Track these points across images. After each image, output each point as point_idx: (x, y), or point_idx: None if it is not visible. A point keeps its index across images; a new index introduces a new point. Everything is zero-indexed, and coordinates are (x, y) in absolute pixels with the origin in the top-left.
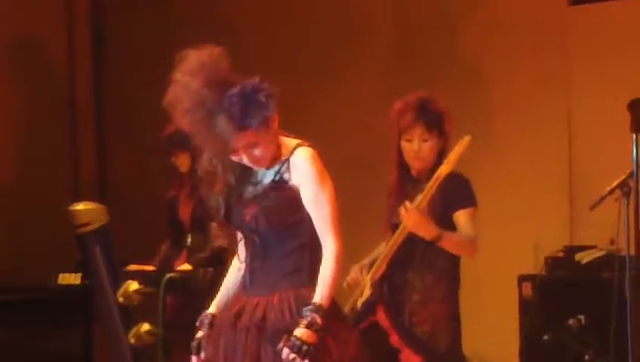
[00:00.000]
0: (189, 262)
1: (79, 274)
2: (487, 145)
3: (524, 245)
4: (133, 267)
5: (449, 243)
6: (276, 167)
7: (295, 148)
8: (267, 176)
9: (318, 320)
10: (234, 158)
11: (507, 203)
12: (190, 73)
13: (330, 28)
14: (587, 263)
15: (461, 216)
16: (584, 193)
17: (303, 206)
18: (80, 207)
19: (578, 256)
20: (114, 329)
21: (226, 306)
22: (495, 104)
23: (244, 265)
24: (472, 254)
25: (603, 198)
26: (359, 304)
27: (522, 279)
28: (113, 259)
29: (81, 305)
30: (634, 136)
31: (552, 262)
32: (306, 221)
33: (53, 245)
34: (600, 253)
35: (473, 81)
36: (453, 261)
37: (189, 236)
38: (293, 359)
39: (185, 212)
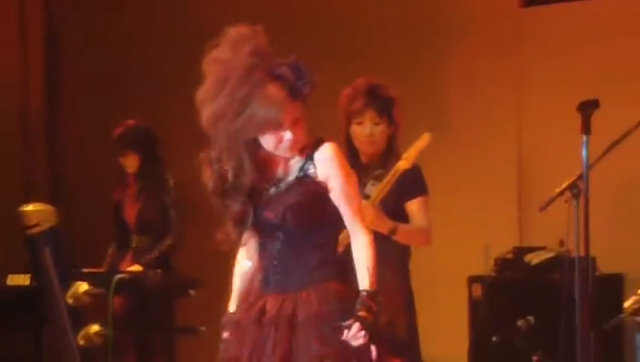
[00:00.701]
0: (136, 263)
1: (28, 276)
2: (438, 145)
3: (474, 246)
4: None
5: (404, 235)
6: (300, 163)
7: (319, 144)
8: (291, 173)
9: (374, 305)
10: (271, 141)
11: (457, 204)
12: (233, 47)
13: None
14: (536, 264)
15: (414, 205)
16: (534, 194)
17: (329, 200)
18: (30, 208)
19: (527, 258)
20: (63, 330)
21: (246, 305)
22: (449, 103)
23: (260, 263)
24: (427, 243)
25: (552, 200)
26: None
27: (472, 280)
28: (63, 261)
29: (31, 307)
30: (584, 137)
31: (502, 263)
32: (331, 216)
33: (2, 246)
34: (549, 255)
35: (430, 80)
36: (405, 252)
37: (134, 237)
38: (359, 333)
39: (130, 213)
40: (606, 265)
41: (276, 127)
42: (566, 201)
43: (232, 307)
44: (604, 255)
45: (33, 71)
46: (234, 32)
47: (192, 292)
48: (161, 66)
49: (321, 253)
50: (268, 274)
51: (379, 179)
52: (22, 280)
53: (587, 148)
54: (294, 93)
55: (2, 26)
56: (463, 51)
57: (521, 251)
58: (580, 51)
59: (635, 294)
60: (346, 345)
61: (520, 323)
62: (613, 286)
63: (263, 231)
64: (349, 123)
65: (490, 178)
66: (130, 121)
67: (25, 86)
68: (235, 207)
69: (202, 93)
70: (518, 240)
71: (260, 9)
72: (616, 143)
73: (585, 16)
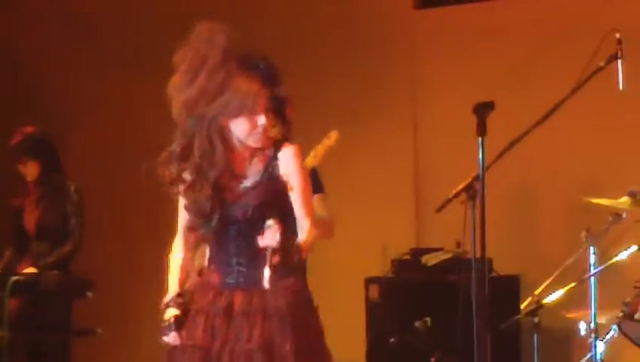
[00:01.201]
0: (34, 266)
1: None
2: (336, 146)
3: (372, 247)
4: None
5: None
6: (265, 162)
7: (281, 145)
8: (255, 172)
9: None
10: (245, 126)
11: (354, 205)
12: (205, 39)
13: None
14: (433, 265)
15: (315, 202)
16: (430, 196)
17: (288, 198)
18: None
19: (424, 259)
20: None
21: (209, 298)
22: (346, 105)
23: (217, 259)
24: (330, 235)
25: (449, 201)
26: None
27: (369, 281)
28: None
29: None
30: (479, 139)
31: (399, 265)
32: (291, 213)
33: None
34: (446, 256)
35: (326, 81)
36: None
37: (34, 244)
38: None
39: (30, 220)
40: (502, 267)
41: (251, 111)
42: (462, 203)
43: (169, 296)
44: (501, 256)
45: None
46: (204, 26)
47: (89, 294)
48: (58, 72)
49: (282, 248)
50: (230, 270)
51: None
52: None
53: (483, 150)
54: (267, 83)
55: None
56: (360, 52)
57: (418, 252)
58: (475, 53)
59: (532, 295)
60: (315, 337)
61: (417, 324)
62: (510, 287)
63: (224, 227)
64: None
65: (387, 179)
66: (28, 128)
67: None
68: (203, 202)
69: (174, 82)
70: (415, 242)
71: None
72: (511, 145)
73: (478, 17)
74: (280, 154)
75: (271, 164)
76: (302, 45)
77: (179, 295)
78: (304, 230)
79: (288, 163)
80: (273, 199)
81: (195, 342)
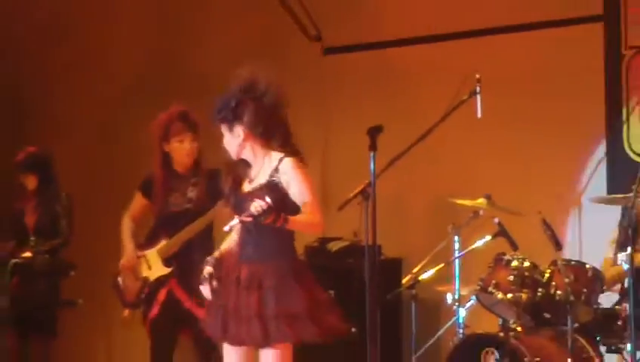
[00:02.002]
0: (30, 251)
1: None
2: None
3: None
4: None
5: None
6: (268, 170)
7: (282, 158)
8: (261, 176)
9: (266, 211)
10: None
11: None
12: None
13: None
14: (336, 251)
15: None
16: (334, 198)
17: (288, 199)
18: None
19: (329, 246)
20: None
21: (225, 270)
22: None
23: (238, 238)
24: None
25: (348, 201)
26: (152, 275)
27: None
28: None
29: None
30: (371, 154)
31: (310, 250)
32: (287, 210)
33: None
34: (346, 243)
35: None
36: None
37: (33, 238)
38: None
39: (30, 220)
40: (389, 252)
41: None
42: (359, 203)
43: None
44: (387, 244)
45: None
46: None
47: (72, 273)
48: (52, 100)
49: (279, 238)
50: (242, 246)
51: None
52: None
53: (374, 162)
54: (228, 126)
55: None
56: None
57: (324, 241)
58: (371, 89)
59: (411, 273)
60: (299, 305)
61: None
62: (394, 268)
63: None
64: (167, 140)
65: None
66: (30, 148)
67: None
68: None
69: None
70: (322, 233)
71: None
72: (396, 159)
73: (373, 63)
74: (280, 166)
75: (272, 173)
76: (221, 84)
77: (215, 258)
78: (315, 219)
79: (287, 173)
80: (273, 200)
81: (219, 302)
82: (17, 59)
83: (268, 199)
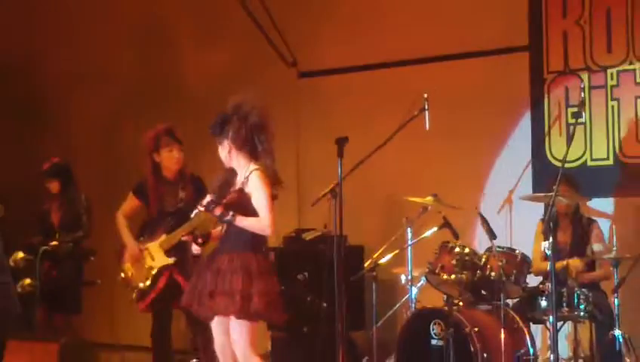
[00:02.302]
0: (57, 241)
1: None
2: None
3: None
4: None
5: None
6: (240, 180)
7: (252, 170)
8: (236, 184)
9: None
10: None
11: None
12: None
13: None
14: (310, 239)
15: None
16: (308, 196)
17: (251, 204)
18: None
19: (304, 235)
20: (7, 283)
21: (206, 261)
22: None
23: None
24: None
25: (319, 199)
26: (155, 265)
27: (269, 249)
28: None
29: None
30: (339, 160)
31: (288, 239)
32: (252, 213)
33: None
34: (318, 233)
35: None
36: None
37: (58, 233)
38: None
39: (55, 218)
40: (353, 240)
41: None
42: (328, 200)
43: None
44: (352, 234)
45: None
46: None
47: (92, 258)
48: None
49: (244, 234)
50: (221, 242)
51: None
52: None
53: (341, 167)
54: (218, 140)
55: None
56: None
57: (299, 231)
58: (338, 107)
59: (372, 258)
60: (259, 286)
61: (299, 277)
62: (358, 254)
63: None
64: (157, 151)
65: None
66: (55, 159)
67: None
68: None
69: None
70: (298, 224)
71: None
72: (358, 164)
73: (342, 84)
74: (250, 176)
75: (243, 182)
76: (209, 104)
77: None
78: (262, 222)
79: (252, 183)
80: (241, 203)
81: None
82: (40, 84)
83: (209, 197)
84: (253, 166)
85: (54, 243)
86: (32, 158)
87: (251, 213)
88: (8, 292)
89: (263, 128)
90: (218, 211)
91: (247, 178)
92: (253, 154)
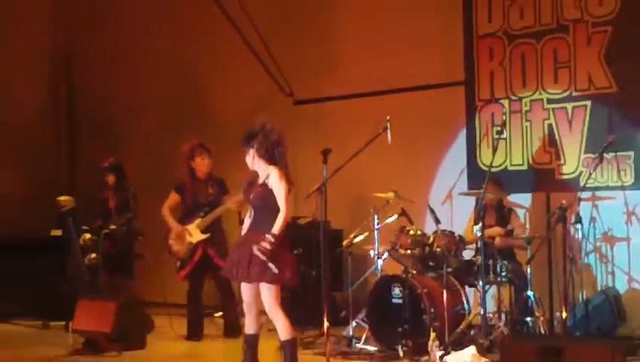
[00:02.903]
0: (113, 224)
1: (60, 230)
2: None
3: None
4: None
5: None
6: (263, 177)
7: (272, 171)
8: (261, 180)
9: (272, 239)
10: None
11: None
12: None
13: None
14: (303, 224)
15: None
16: (302, 192)
17: (273, 195)
18: (62, 198)
19: (299, 221)
20: (77, 257)
21: (241, 240)
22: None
23: (249, 218)
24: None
25: (310, 194)
26: (193, 240)
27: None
28: (76, 224)
29: (61, 245)
30: (324, 166)
31: (287, 224)
32: (274, 202)
33: (47, 216)
34: (309, 220)
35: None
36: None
37: (114, 216)
38: (260, 252)
39: (112, 203)
40: (335, 225)
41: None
42: (316, 196)
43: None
44: (334, 220)
45: (60, 107)
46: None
47: (140, 237)
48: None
49: (271, 219)
50: (251, 225)
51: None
52: (57, 232)
53: (326, 171)
54: (246, 149)
55: (36, 50)
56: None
57: (295, 218)
58: (327, 131)
59: (348, 238)
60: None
61: (295, 252)
62: (338, 235)
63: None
64: (193, 159)
65: None
66: (110, 159)
67: (54, 112)
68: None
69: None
70: (294, 213)
71: None
72: (338, 169)
73: (328, 110)
74: (270, 173)
75: (266, 179)
76: (228, 124)
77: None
78: (280, 216)
79: (273, 179)
80: (264, 195)
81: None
82: (107, 110)
83: (247, 218)
84: (272, 168)
85: (112, 226)
86: (96, 160)
87: (273, 202)
88: (79, 266)
89: (280, 143)
90: (265, 246)
91: (267, 175)
92: (271, 161)
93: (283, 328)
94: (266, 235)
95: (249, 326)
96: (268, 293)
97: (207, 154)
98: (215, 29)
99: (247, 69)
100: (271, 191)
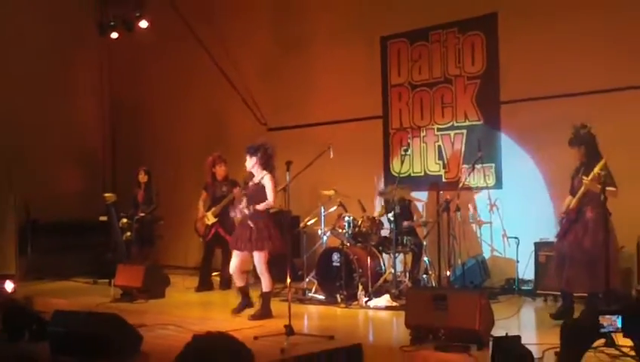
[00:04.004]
0: (142, 213)
1: (106, 216)
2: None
3: None
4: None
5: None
6: (258, 178)
7: (265, 174)
8: (256, 180)
9: (253, 210)
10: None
11: None
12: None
13: None
14: (273, 213)
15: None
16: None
17: (263, 191)
18: (107, 194)
19: (270, 210)
20: (117, 235)
21: (240, 222)
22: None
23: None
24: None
25: (278, 192)
26: (209, 222)
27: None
28: (116, 212)
29: (106, 227)
30: (287, 172)
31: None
32: (263, 196)
33: (99, 206)
34: (277, 209)
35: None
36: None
37: (142, 206)
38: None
39: (140, 198)
40: (295, 212)
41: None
42: (282, 193)
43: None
44: (295, 209)
45: (107, 139)
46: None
47: (161, 222)
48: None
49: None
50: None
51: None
52: (104, 218)
53: (289, 176)
54: (249, 157)
55: (93, 94)
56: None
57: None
58: (290, 148)
59: (304, 222)
60: (269, 234)
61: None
62: (297, 220)
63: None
64: (214, 166)
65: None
66: (144, 167)
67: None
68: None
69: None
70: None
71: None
72: (296, 175)
73: (293, 136)
74: (264, 176)
75: (259, 179)
76: (231, 142)
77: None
78: (268, 202)
79: (265, 180)
80: (258, 190)
81: (236, 232)
82: (146, 125)
83: (244, 202)
84: (265, 173)
85: (142, 214)
86: (133, 170)
87: (264, 196)
88: (119, 240)
89: (274, 157)
90: (248, 210)
91: (262, 178)
92: (265, 168)
93: (266, 283)
94: (255, 207)
95: (239, 282)
96: (259, 258)
97: (224, 163)
98: (212, 81)
99: (235, 108)
100: (262, 187)
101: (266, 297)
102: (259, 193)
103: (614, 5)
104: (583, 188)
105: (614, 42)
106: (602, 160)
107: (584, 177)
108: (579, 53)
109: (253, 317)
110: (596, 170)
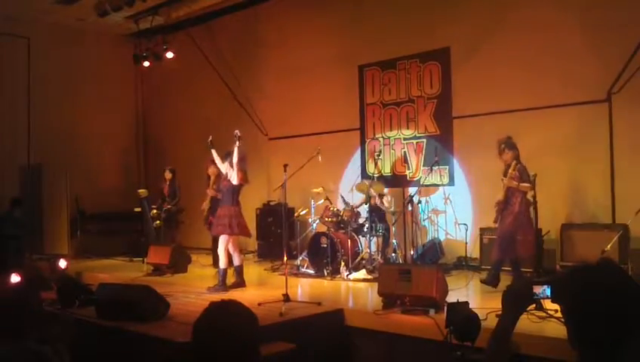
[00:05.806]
0: (168, 205)
1: (140, 208)
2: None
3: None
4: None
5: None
6: (230, 173)
7: (234, 171)
8: (227, 177)
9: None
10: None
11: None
12: None
13: None
14: (273, 205)
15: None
16: (274, 186)
17: (233, 186)
18: (140, 190)
19: (271, 203)
20: (149, 223)
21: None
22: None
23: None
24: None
25: (277, 188)
26: (205, 209)
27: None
28: (148, 204)
29: (140, 216)
30: (284, 173)
31: (264, 205)
32: (233, 190)
33: (134, 199)
34: (276, 202)
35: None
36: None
37: (168, 200)
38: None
39: (166, 192)
40: (291, 205)
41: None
42: (280, 189)
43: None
44: (290, 203)
45: (140, 134)
46: None
47: (183, 211)
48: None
49: (233, 197)
50: (220, 202)
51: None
52: (138, 209)
53: (285, 175)
54: (225, 159)
55: (129, 109)
56: None
57: (268, 201)
58: (284, 154)
59: (297, 213)
60: (238, 221)
61: (270, 219)
62: (292, 210)
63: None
64: (207, 168)
65: (259, 185)
66: (170, 166)
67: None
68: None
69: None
70: (267, 198)
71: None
72: (291, 175)
73: (288, 144)
74: (234, 172)
75: (229, 173)
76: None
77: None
78: (233, 180)
79: (235, 174)
80: (229, 186)
81: (218, 221)
82: (159, 132)
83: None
84: (235, 171)
85: (168, 206)
86: (160, 170)
87: (233, 190)
88: (150, 227)
89: (244, 159)
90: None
91: (232, 175)
92: (237, 166)
93: (237, 259)
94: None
95: (222, 263)
96: (231, 241)
97: (215, 166)
98: (225, 100)
99: (243, 121)
100: (232, 184)
101: (238, 270)
102: (230, 188)
103: (531, 39)
104: (503, 186)
105: (532, 69)
106: (514, 163)
107: (503, 178)
108: (509, 79)
109: (231, 287)
110: (510, 170)
